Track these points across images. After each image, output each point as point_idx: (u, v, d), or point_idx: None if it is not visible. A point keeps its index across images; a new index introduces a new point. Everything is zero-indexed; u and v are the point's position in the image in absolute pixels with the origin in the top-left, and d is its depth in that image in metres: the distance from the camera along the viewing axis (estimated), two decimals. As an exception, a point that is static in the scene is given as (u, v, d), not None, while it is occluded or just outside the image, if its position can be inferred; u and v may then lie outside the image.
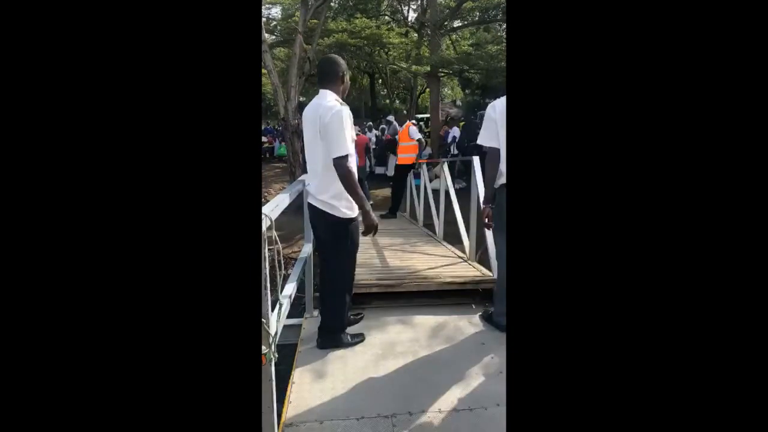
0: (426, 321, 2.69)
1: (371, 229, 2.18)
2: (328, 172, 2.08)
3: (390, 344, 2.43)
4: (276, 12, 15.67)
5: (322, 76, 2.22)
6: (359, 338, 2.45)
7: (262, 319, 1.32)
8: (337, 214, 2.18)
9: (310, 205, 2.28)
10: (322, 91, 2.19)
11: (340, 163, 2.04)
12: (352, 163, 2.12)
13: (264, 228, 1.36)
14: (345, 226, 2.21)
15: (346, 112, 2.08)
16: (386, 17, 15.01)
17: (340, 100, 2.14)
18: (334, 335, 2.37)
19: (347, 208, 2.19)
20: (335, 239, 2.25)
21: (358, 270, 3.16)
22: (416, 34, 13.81)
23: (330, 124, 2.04)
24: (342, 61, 2.26)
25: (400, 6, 15.19)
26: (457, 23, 13.50)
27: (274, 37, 14.54)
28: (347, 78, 2.25)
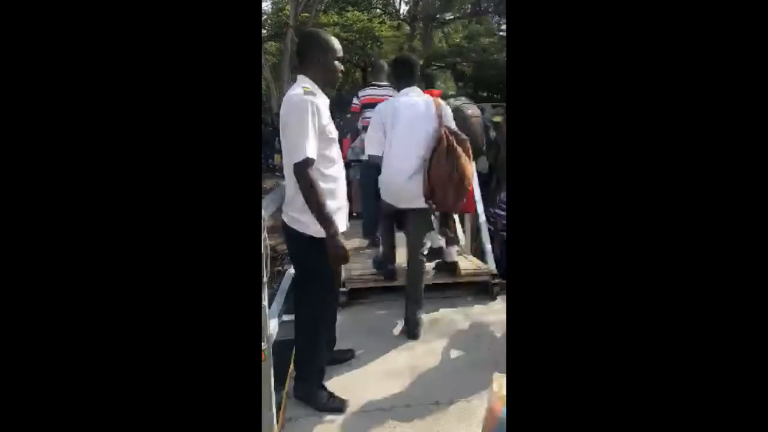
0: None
1: (336, 259, 1.61)
2: (292, 176, 1.60)
3: (386, 338, 2.44)
4: (266, 6, 15.51)
5: (299, 57, 1.74)
6: (337, 404, 1.83)
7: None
8: (307, 232, 1.65)
9: (282, 223, 1.76)
10: (298, 77, 1.71)
11: (298, 170, 1.54)
12: (327, 171, 1.65)
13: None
14: (318, 247, 1.62)
15: (313, 103, 1.56)
16: (378, 10, 14.91)
17: (314, 88, 1.64)
18: (308, 389, 1.86)
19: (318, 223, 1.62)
20: (306, 265, 1.72)
21: (354, 265, 3.15)
22: (408, 27, 13.74)
23: (288, 118, 1.57)
24: (323, 38, 1.70)
25: (392, -1, 15.10)
26: (449, 15, 13.45)
27: (264, 31, 14.40)
28: (328, 59, 1.67)
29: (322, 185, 1.62)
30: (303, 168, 1.54)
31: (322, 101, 1.66)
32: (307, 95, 1.59)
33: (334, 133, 1.70)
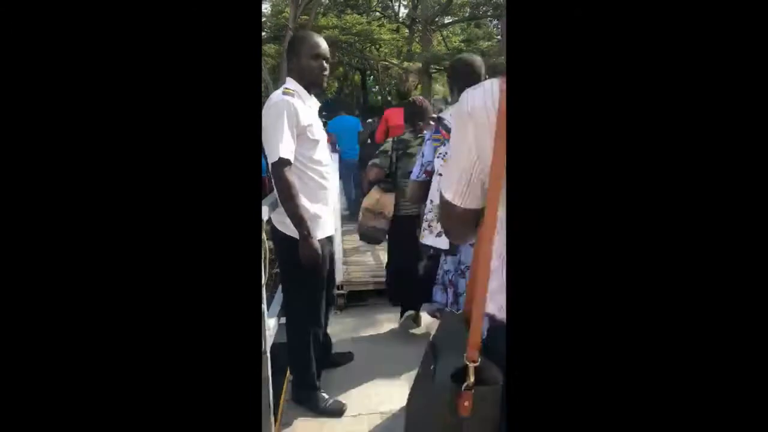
0: (419, 317, 2.71)
1: (307, 262, 1.60)
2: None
3: (384, 341, 2.43)
4: (266, 8, 15.55)
5: (287, 60, 1.73)
6: (336, 406, 1.84)
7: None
8: (289, 234, 1.64)
9: (270, 225, 1.75)
10: (287, 79, 1.71)
11: (273, 171, 1.54)
12: (310, 173, 1.64)
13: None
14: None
15: (290, 103, 1.55)
16: (377, 13, 14.96)
17: (298, 89, 1.64)
18: (305, 393, 1.86)
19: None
20: (294, 267, 1.68)
21: (353, 268, 3.15)
22: (407, 30, 13.79)
23: (266, 120, 1.56)
24: (302, 37, 1.71)
25: (391, 2, 15.15)
26: (447, 19, 13.49)
27: (264, 33, 14.43)
28: (306, 58, 1.64)
29: (303, 187, 1.62)
30: (277, 169, 1.53)
31: (305, 102, 1.64)
32: (286, 95, 1.58)
33: (318, 135, 1.67)
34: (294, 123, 1.56)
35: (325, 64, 1.68)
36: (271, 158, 1.53)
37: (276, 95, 1.61)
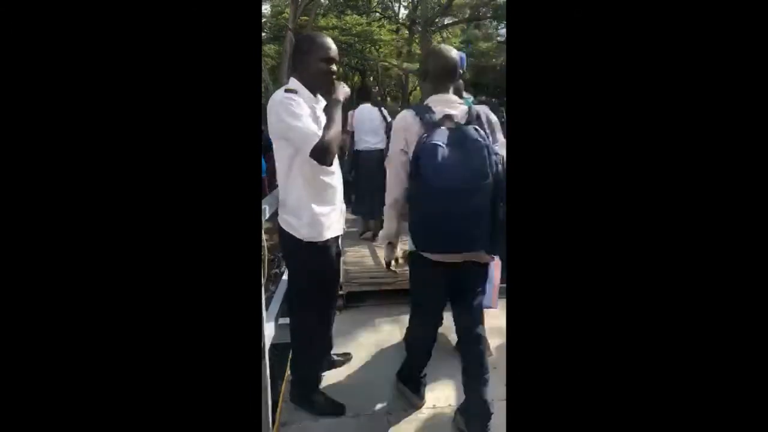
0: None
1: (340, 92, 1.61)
2: (285, 180, 1.60)
3: (383, 343, 2.43)
4: (265, 9, 15.53)
5: (292, 61, 1.71)
6: (334, 408, 1.82)
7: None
8: (296, 235, 1.63)
9: (277, 226, 1.73)
10: (290, 80, 1.68)
11: (314, 155, 1.49)
12: (319, 175, 1.61)
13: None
14: (310, 250, 1.63)
15: (294, 99, 1.53)
16: (377, 14, 14.95)
17: (301, 89, 1.61)
18: (304, 394, 1.85)
19: (311, 226, 1.62)
20: (299, 268, 1.71)
21: (351, 268, 3.14)
22: (407, 31, 13.79)
23: (270, 116, 1.54)
24: (309, 39, 1.65)
25: (391, 2, 15.16)
26: (447, 20, 13.50)
27: (264, 34, 14.43)
28: (312, 60, 1.60)
29: (309, 187, 1.61)
30: (319, 153, 1.48)
31: (307, 104, 1.60)
32: (288, 92, 1.56)
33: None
34: (304, 112, 1.53)
35: (335, 68, 1.65)
36: (305, 145, 1.48)
37: (278, 94, 1.59)
